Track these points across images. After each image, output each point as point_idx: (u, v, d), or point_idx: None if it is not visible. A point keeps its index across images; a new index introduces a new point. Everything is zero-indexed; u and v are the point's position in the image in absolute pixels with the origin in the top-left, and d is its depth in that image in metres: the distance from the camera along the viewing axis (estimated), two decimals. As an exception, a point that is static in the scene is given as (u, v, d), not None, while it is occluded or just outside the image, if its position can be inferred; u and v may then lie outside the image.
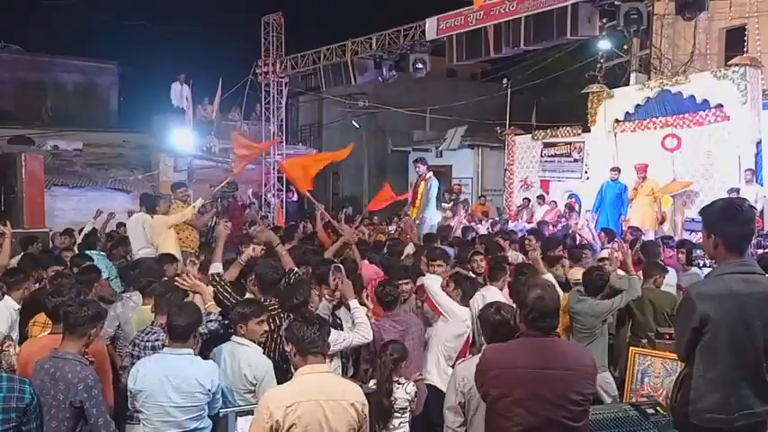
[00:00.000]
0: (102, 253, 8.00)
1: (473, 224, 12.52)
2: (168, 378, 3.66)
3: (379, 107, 21.72)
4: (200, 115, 18.14)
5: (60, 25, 24.33)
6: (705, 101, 12.14)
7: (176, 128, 17.17)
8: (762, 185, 11.17)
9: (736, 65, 11.76)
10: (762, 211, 10.91)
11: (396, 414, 4.31)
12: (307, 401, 3.04)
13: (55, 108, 22.01)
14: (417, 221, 10.62)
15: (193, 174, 17.19)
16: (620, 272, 6.17)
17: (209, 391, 3.71)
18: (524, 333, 3.09)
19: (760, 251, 8.27)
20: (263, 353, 4.18)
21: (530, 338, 3.04)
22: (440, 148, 20.80)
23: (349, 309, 4.75)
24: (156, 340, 4.20)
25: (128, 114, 24.11)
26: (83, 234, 9.59)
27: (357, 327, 4.57)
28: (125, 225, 9.62)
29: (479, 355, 3.77)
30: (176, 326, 3.78)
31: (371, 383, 4.34)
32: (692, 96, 12.31)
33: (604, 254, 6.70)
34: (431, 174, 11.19)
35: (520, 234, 10.18)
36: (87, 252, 7.65)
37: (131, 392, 3.75)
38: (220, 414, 3.78)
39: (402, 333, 4.79)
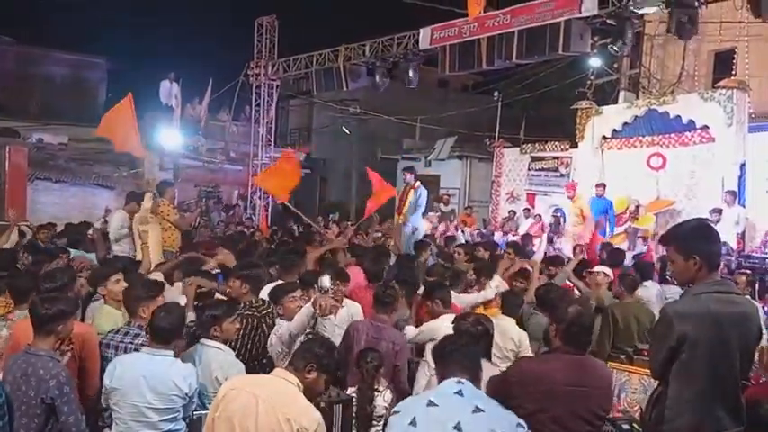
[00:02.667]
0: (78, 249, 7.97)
1: (457, 233, 12.59)
2: (146, 378, 3.61)
3: (370, 114, 21.74)
4: (189, 114, 18.06)
5: (50, 19, 24.21)
6: (691, 122, 12.27)
7: (164, 126, 17.07)
8: (744, 207, 11.30)
9: (724, 87, 11.90)
10: (743, 233, 11.03)
11: (374, 422, 4.29)
12: (248, 392, 3.08)
13: (42, 101, 21.80)
14: (403, 226, 10.69)
15: (179, 173, 17.09)
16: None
17: (187, 394, 3.67)
18: (561, 348, 3.15)
19: (726, 270, 8.38)
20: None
21: (567, 355, 3.12)
22: (429, 158, 20.85)
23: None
24: (140, 344, 4.02)
25: (116, 110, 23.94)
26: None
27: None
28: (107, 222, 9.57)
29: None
30: (160, 327, 3.73)
31: (351, 390, 4.31)
32: (679, 117, 12.45)
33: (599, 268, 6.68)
34: (419, 183, 11.25)
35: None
36: (68, 248, 7.61)
37: (106, 389, 3.70)
38: (194, 416, 3.74)
39: (374, 341, 4.70)
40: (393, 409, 2.89)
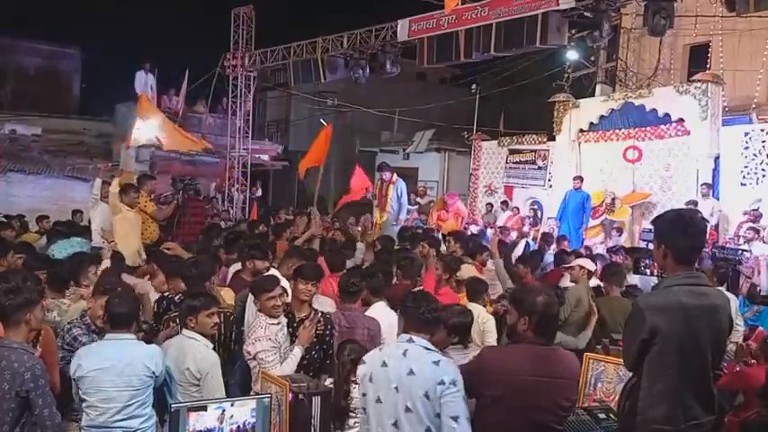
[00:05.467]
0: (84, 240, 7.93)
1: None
2: (111, 363, 3.66)
3: (348, 106, 21.66)
4: (165, 106, 17.82)
5: (24, 8, 23.72)
6: (667, 115, 12.40)
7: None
8: (718, 199, 11.47)
9: (699, 81, 12.03)
10: (717, 224, 11.20)
11: (351, 414, 4.27)
12: None
13: (15, 92, 21.41)
14: (394, 223, 10.76)
15: (155, 164, 16.89)
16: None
17: (154, 373, 3.76)
18: (530, 339, 3.14)
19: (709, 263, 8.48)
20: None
21: (534, 346, 3.12)
22: (407, 151, 20.88)
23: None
24: (75, 339, 4.16)
25: (90, 101, 23.58)
26: None
27: (285, 362, 4.43)
28: (81, 212, 9.46)
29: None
30: (116, 313, 3.81)
31: (328, 382, 4.29)
32: (655, 110, 12.57)
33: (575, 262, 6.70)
34: (396, 176, 11.28)
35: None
36: (69, 239, 7.59)
37: (74, 380, 3.73)
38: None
39: (348, 331, 4.75)
40: (362, 358, 3.35)
